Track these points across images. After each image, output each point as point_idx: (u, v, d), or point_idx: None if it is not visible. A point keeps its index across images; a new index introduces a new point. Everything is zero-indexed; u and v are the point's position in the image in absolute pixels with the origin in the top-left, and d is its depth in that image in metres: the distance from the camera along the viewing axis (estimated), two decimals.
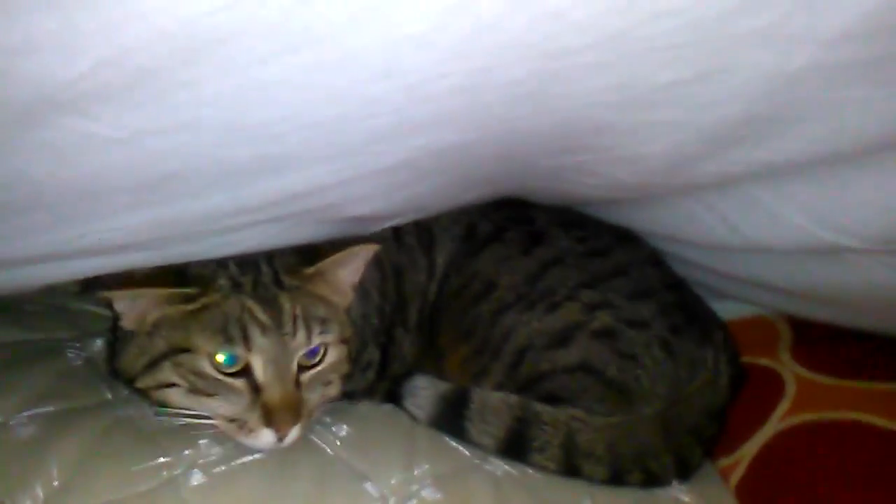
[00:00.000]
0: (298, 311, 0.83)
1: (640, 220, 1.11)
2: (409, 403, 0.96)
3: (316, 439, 0.86)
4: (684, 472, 0.95)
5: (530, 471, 0.90)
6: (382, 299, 1.07)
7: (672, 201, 0.97)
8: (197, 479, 0.75)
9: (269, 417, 0.79)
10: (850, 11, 0.53)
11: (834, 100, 0.63)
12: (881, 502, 0.78)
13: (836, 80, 0.61)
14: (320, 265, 0.87)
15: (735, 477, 0.94)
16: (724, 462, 0.97)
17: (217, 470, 0.77)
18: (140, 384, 0.84)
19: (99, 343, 1.00)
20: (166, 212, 0.72)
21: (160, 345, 0.82)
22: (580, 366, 0.98)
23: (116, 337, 0.90)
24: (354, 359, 1.01)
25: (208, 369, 0.80)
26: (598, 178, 0.88)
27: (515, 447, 0.91)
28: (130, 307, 0.84)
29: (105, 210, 0.70)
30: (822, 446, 0.87)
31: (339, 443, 0.87)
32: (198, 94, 0.54)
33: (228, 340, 0.79)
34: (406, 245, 1.10)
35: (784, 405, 0.96)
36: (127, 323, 0.85)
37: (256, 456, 0.80)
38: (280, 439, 0.79)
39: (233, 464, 0.78)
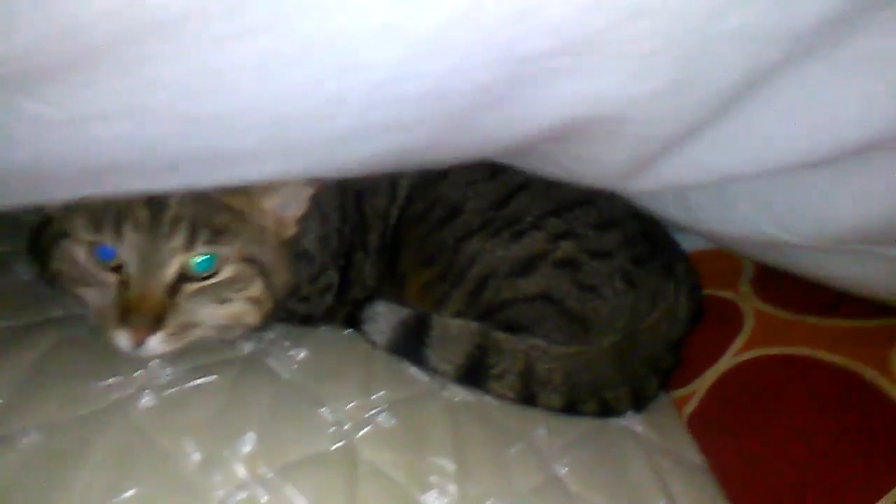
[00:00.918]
0: (186, 215, 0.77)
1: None
2: (368, 328, 0.95)
3: (272, 363, 0.85)
4: (639, 402, 0.96)
5: (487, 398, 0.91)
6: (342, 222, 1.04)
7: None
8: (147, 401, 0.74)
9: (125, 317, 0.74)
10: (822, 5, 0.51)
11: (798, 100, 0.61)
12: (831, 438, 0.79)
13: (804, 76, 0.58)
14: (244, 187, 0.82)
15: (689, 408, 0.95)
16: (680, 393, 0.99)
17: (168, 392, 0.75)
18: (47, 276, 0.82)
19: None
20: (110, 192, 0.69)
21: (51, 230, 0.80)
22: (541, 295, 0.97)
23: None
24: (312, 281, 1.00)
25: (82, 258, 0.77)
26: (559, 169, 0.85)
27: (474, 375, 0.91)
28: None
29: (46, 190, 0.67)
30: (775, 381, 0.88)
31: (296, 366, 0.86)
32: (147, 77, 0.50)
33: (100, 231, 0.75)
34: None
35: (741, 338, 0.96)
36: (48, 207, 0.82)
37: (210, 378, 0.79)
38: (136, 345, 0.75)
39: (184, 386, 0.77)
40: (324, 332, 0.97)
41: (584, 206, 1.03)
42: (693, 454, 0.90)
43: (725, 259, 1.17)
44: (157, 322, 0.75)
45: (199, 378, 0.78)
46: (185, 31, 0.46)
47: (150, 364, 0.79)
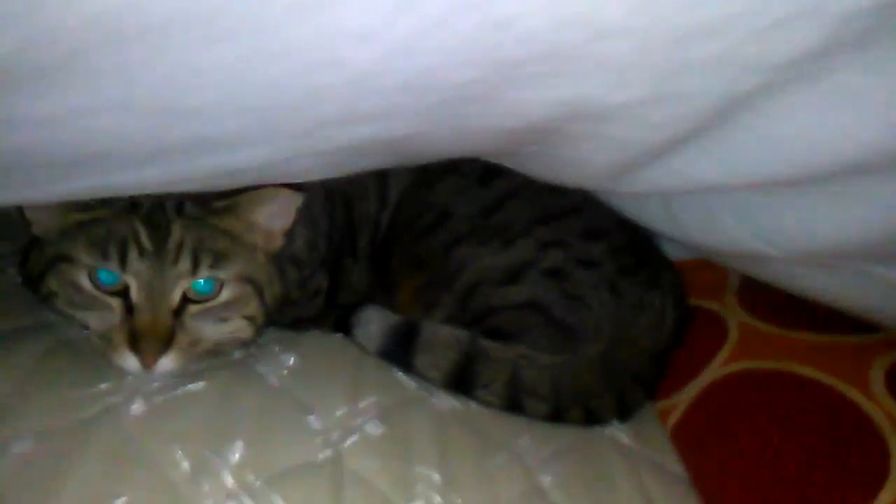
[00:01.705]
0: (188, 241, 0.80)
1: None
2: (359, 334, 0.96)
3: (262, 368, 0.86)
4: (624, 412, 0.97)
5: (474, 405, 0.92)
6: (331, 227, 1.06)
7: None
8: (138, 407, 0.75)
9: (135, 342, 0.77)
10: (799, 41, 0.52)
11: (774, 122, 0.63)
12: (810, 454, 0.80)
13: (779, 105, 0.60)
14: (231, 201, 0.84)
15: (673, 419, 0.97)
16: (664, 404, 1.00)
17: (158, 399, 0.76)
18: (40, 293, 0.83)
19: None
20: (97, 182, 0.70)
21: (48, 253, 0.81)
22: (528, 303, 0.98)
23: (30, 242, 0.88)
24: (302, 285, 1.01)
25: (85, 283, 0.78)
26: (543, 170, 0.87)
27: (461, 382, 0.92)
28: (36, 211, 0.82)
29: (30, 182, 0.68)
30: (758, 395, 0.89)
31: (285, 372, 0.87)
32: (130, 76, 0.52)
33: (105, 257, 0.77)
34: (357, 174, 1.08)
35: (725, 351, 0.98)
36: (36, 228, 0.84)
37: (200, 385, 0.80)
38: (146, 367, 0.77)
39: (175, 392, 0.78)
40: (313, 336, 0.98)
41: (572, 216, 1.04)
42: (675, 465, 0.91)
43: (711, 270, 1.18)
44: (166, 344, 0.78)
45: (189, 384, 0.79)
46: (167, 36, 0.48)
47: None
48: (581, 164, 0.75)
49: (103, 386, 0.77)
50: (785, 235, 0.78)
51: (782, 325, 0.98)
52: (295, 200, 0.87)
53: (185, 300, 0.81)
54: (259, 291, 0.87)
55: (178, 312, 0.80)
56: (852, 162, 0.62)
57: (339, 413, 0.82)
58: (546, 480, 0.82)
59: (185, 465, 0.70)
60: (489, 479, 0.80)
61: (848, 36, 0.51)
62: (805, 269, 0.84)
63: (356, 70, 0.54)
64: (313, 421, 0.80)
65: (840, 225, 0.71)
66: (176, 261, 0.79)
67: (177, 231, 0.80)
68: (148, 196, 0.81)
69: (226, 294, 0.83)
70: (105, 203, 0.80)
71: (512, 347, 0.94)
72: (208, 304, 0.82)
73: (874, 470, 0.75)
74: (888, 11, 0.49)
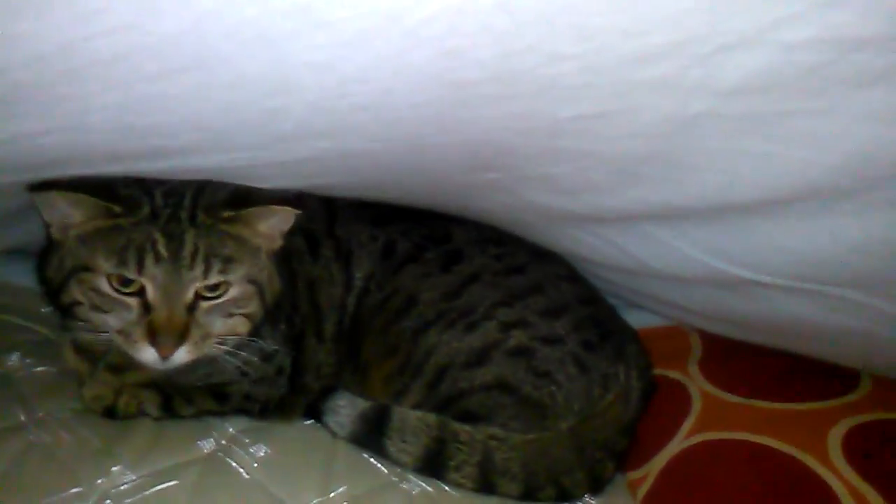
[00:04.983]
0: (201, 248, 0.86)
1: (550, 245, 1.14)
2: (330, 420, 0.98)
3: (233, 462, 0.87)
4: (596, 486, 0.98)
5: (447, 488, 0.93)
6: (292, 309, 1.07)
7: (572, 234, 1.00)
8: None
9: (153, 336, 0.84)
10: (744, 67, 0.56)
11: (729, 150, 0.66)
12: None
13: (731, 131, 0.64)
14: (238, 213, 0.90)
15: (642, 491, 0.98)
16: (633, 475, 1.01)
17: (129, 501, 0.77)
18: (62, 302, 0.89)
19: (14, 357, 0.99)
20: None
21: (67, 264, 0.87)
22: (496, 384, 1.00)
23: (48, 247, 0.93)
24: (267, 360, 1.01)
25: (105, 287, 0.84)
26: (509, 197, 0.90)
27: (433, 465, 0.94)
28: (59, 213, 0.86)
29: None
30: (722, 466, 0.91)
31: (256, 465, 0.88)
32: (84, 105, 0.57)
33: (122, 263, 0.83)
34: (323, 257, 1.12)
35: (689, 422, 1.00)
36: (55, 231, 0.88)
37: (171, 483, 0.81)
38: (164, 358, 0.85)
39: (145, 493, 0.79)
40: (285, 425, 0.99)
41: (532, 295, 1.07)
42: None
43: (675, 337, 1.21)
44: (181, 337, 0.85)
45: (159, 484, 0.80)
46: (118, 70, 0.52)
47: (112, 470, 0.81)
48: (545, 180, 0.77)
49: (74, 490, 0.77)
50: (754, 253, 0.81)
51: (743, 394, 1.00)
52: (294, 214, 0.93)
53: (198, 298, 0.87)
54: (260, 291, 0.94)
55: (192, 309, 0.87)
56: (812, 188, 0.66)
57: None
58: None
59: None
60: None
61: (791, 74, 0.55)
62: (787, 293, 0.85)
63: (311, 95, 0.58)
64: None
65: (811, 237, 0.74)
66: (191, 266, 0.85)
67: (190, 240, 0.86)
68: (163, 202, 0.86)
69: (232, 293, 0.90)
70: (131, 211, 0.84)
71: (482, 429, 0.96)
72: (218, 301, 0.89)
73: None
74: (831, 52, 0.53)
